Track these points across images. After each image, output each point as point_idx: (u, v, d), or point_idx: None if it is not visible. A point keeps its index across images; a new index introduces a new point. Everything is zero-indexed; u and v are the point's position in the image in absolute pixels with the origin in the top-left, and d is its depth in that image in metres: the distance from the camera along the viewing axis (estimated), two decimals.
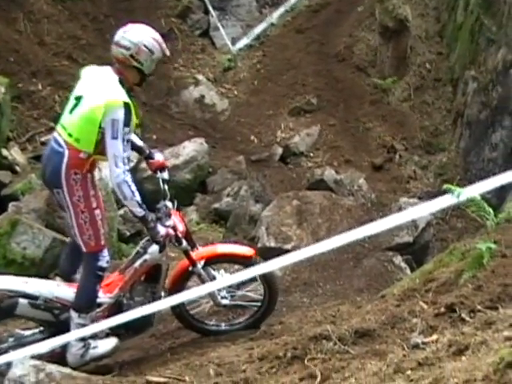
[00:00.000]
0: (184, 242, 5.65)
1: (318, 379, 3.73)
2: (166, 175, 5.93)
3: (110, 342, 5.50)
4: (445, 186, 4.94)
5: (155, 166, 5.96)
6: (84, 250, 5.36)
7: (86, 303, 5.36)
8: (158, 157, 6.03)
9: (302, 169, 11.41)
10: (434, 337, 3.95)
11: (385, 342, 4.12)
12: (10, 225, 7.64)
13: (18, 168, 9.27)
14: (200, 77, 13.03)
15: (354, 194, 9.95)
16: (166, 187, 5.77)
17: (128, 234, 9.01)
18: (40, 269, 7.39)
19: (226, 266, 6.56)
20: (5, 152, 9.45)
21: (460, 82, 11.82)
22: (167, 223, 5.45)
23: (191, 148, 10.50)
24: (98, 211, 5.33)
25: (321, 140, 11.92)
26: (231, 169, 10.66)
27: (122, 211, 8.74)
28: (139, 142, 6.01)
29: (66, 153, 5.22)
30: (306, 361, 4.06)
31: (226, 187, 10.17)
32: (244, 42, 14.30)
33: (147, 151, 6.01)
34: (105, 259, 5.39)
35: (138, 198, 5.19)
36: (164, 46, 5.47)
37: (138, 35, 5.35)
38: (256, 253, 6.19)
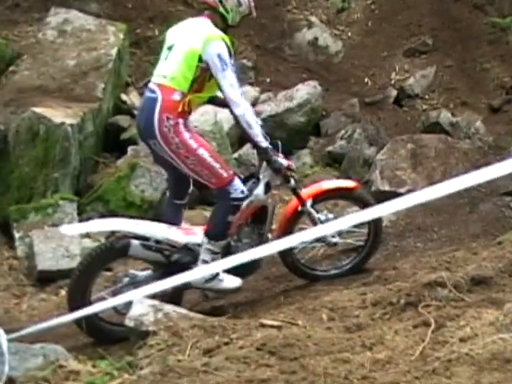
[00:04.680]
0: (292, 181, 5.71)
1: (432, 327, 3.72)
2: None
3: (235, 282, 5.61)
4: None
5: None
6: (213, 187, 5.51)
7: (218, 233, 5.50)
8: None
9: (416, 111, 11.16)
10: None
11: (502, 290, 4.06)
12: (129, 168, 7.87)
13: (136, 112, 9.46)
14: (313, 19, 12.85)
15: (470, 137, 9.70)
16: None
17: (242, 177, 9.09)
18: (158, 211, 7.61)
19: (329, 207, 6.63)
20: (124, 97, 9.65)
21: None
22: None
23: (305, 91, 10.44)
24: (201, 149, 5.40)
25: (436, 82, 11.61)
26: (345, 112, 10.55)
27: (236, 154, 8.82)
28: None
29: (160, 97, 5.31)
30: (419, 308, 4.05)
31: (340, 130, 10.08)
32: None
33: None
34: (238, 190, 5.49)
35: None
36: (253, 4, 5.61)
37: None
38: (360, 185, 6.29)
